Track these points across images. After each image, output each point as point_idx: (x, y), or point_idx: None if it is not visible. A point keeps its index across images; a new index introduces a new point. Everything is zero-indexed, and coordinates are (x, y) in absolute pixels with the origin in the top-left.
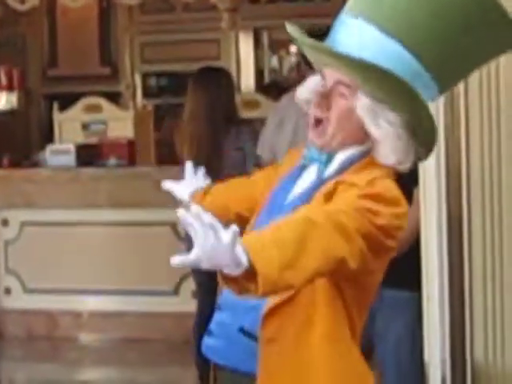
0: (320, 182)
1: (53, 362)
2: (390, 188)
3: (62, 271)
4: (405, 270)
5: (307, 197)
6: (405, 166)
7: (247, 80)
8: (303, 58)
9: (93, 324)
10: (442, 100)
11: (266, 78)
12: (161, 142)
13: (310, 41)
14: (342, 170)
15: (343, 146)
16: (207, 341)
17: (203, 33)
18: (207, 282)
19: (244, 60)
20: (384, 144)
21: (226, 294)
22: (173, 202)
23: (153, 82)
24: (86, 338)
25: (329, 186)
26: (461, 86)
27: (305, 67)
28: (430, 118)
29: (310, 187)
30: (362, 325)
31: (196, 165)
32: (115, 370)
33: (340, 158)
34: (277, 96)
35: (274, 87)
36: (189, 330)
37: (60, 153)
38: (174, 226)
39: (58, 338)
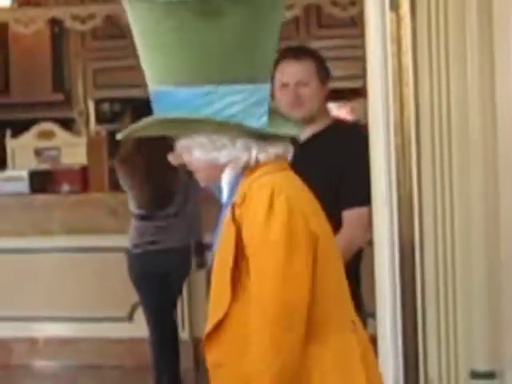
0: (222, 208)
1: None
2: (262, 196)
3: (16, 298)
4: None
5: (218, 227)
6: (261, 157)
7: None
8: None
9: (48, 351)
10: (392, 123)
11: None
12: (114, 168)
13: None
14: (232, 190)
15: (214, 178)
16: None
17: None
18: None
19: None
20: (223, 158)
21: None
22: (127, 228)
23: (106, 107)
24: (40, 365)
25: (227, 211)
26: (412, 110)
27: None
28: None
29: (219, 217)
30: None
31: (156, 191)
32: None
33: (224, 183)
34: None
35: None
36: (143, 355)
37: (13, 179)
38: (127, 252)
39: (13, 366)
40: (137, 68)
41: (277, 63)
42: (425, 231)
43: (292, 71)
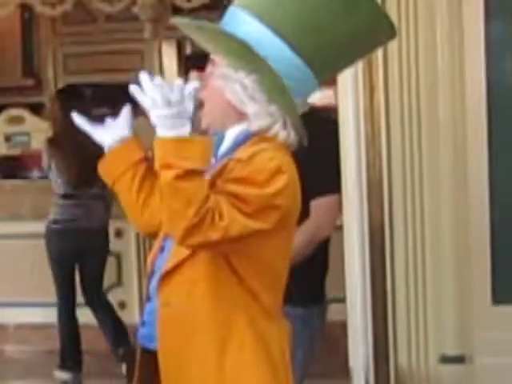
0: (215, 161)
1: None
2: (266, 164)
3: None
4: (298, 285)
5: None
6: (281, 134)
7: None
8: None
9: (18, 336)
10: (361, 109)
11: None
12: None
13: (186, 21)
14: (235, 146)
15: (223, 123)
16: (141, 331)
17: (126, 43)
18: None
19: (168, 70)
20: (245, 109)
21: (153, 286)
22: None
23: None
24: (11, 350)
25: (220, 164)
26: (381, 95)
27: None
28: (276, 79)
29: (209, 168)
30: (277, 302)
31: (82, 174)
32: (40, 382)
33: (230, 135)
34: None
35: None
36: None
37: None
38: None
39: None
40: (107, 53)
41: None
42: (394, 216)
43: None
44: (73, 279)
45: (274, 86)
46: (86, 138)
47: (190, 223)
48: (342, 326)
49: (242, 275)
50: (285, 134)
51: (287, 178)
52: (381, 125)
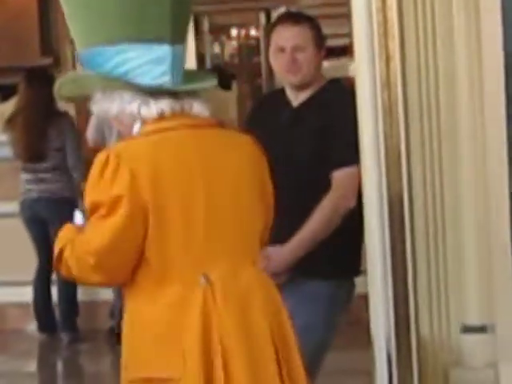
0: None
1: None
2: (100, 163)
3: (10, 263)
4: (328, 259)
5: None
6: (144, 110)
7: (188, 65)
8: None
9: None
10: (378, 79)
11: (208, 64)
12: None
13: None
14: None
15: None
16: None
17: None
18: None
19: None
20: (114, 110)
21: None
22: None
23: None
24: (33, 329)
25: None
26: (398, 64)
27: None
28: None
29: None
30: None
31: (29, 147)
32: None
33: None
34: (222, 82)
35: (218, 73)
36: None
37: (2, 144)
38: None
39: (7, 331)
40: None
41: (274, 27)
42: (414, 186)
43: (289, 36)
44: (44, 246)
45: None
46: (37, 116)
47: None
48: (364, 298)
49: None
50: (145, 108)
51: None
52: (398, 94)
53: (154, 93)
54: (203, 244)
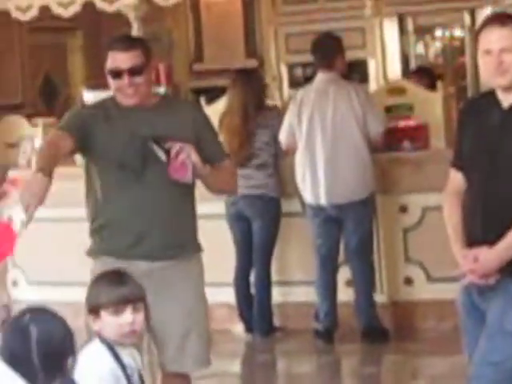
0: None
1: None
2: None
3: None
4: None
5: None
6: None
7: (393, 67)
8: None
9: None
10: None
11: (412, 64)
12: None
13: None
14: None
15: None
16: None
17: (347, 21)
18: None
19: (389, 47)
20: None
21: None
22: None
23: (299, 72)
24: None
25: None
26: None
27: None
28: None
29: None
30: None
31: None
32: None
33: None
34: (428, 82)
35: (424, 73)
36: None
37: None
38: None
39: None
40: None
41: (481, 29)
42: None
43: (495, 38)
44: (245, 244)
45: None
46: (245, 117)
47: None
48: None
49: None
50: None
51: None
52: None
53: None
54: None
